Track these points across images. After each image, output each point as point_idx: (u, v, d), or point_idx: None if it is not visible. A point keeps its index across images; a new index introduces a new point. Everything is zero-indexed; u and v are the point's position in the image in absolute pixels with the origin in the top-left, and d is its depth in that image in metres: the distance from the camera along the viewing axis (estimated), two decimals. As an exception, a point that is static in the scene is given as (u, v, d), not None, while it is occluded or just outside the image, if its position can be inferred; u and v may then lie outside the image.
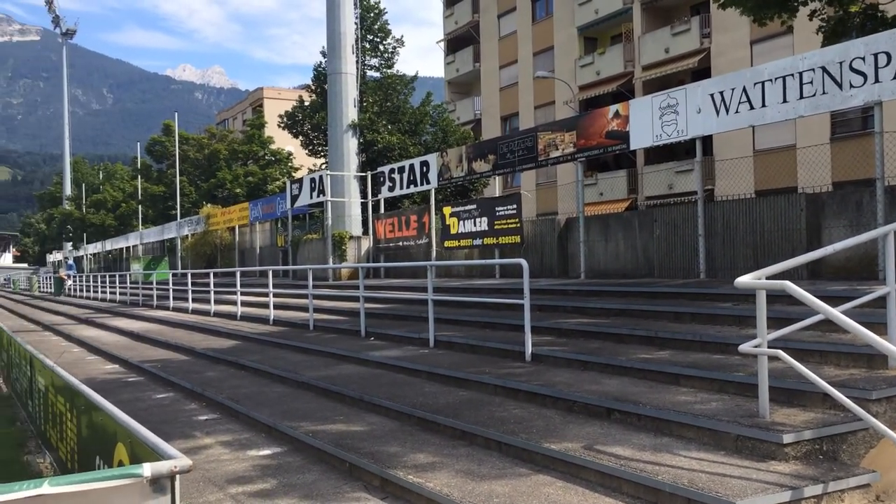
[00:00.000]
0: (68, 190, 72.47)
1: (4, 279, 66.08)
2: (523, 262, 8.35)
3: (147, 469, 2.93)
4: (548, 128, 14.98)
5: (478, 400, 7.08)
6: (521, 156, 15.16)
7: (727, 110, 10.87)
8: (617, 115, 12.82)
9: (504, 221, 15.59)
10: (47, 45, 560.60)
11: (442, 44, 46.58)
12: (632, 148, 13.05)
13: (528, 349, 8.20)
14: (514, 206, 15.43)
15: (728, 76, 11.38)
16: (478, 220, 16.40)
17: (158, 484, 2.97)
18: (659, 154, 27.33)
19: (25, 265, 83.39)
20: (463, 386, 7.70)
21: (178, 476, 3.01)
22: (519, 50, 39.37)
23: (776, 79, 10.14)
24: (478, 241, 16.42)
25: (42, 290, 44.45)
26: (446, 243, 17.62)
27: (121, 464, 3.76)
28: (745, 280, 4.99)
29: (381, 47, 28.93)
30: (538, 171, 31.02)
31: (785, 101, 10.05)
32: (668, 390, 6.30)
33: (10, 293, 49.81)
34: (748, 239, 10.98)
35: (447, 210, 17.63)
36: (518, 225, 15.26)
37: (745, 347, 5.07)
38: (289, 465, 5.90)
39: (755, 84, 10.43)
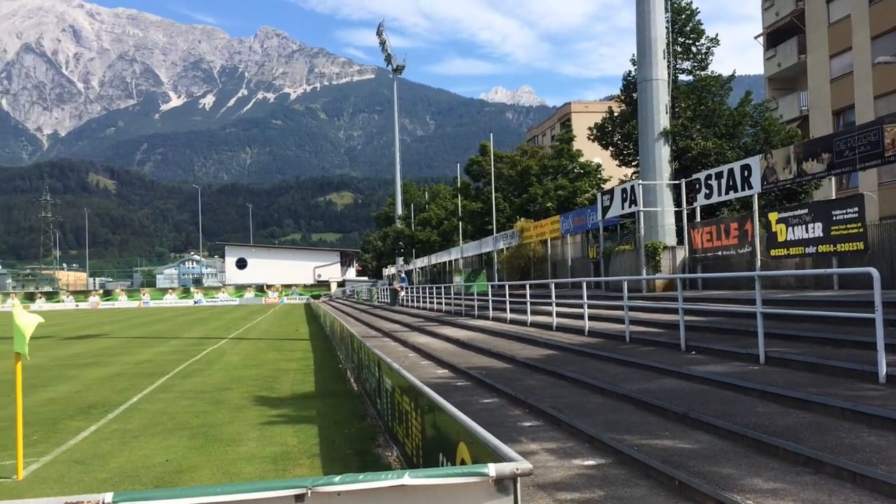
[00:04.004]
0: (399, 210, 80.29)
1: (350, 291, 75.15)
2: (873, 270, 7.38)
3: (492, 469, 3.08)
4: (896, 118, 13.14)
5: (821, 423, 6.40)
6: (862, 152, 13.49)
7: None
8: None
9: (843, 226, 13.97)
10: (380, 82, 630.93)
11: (761, 38, 43.38)
12: None
13: (883, 370, 7.22)
14: (856, 208, 13.76)
15: None
16: (810, 225, 14.91)
17: (502, 485, 3.11)
18: None
19: (366, 278, 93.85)
20: (802, 407, 7.01)
21: (519, 478, 3.13)
22: (853, 35, 35.18)
23: None
24: (811, 249, 14.92)
25: (380, 300, 49.66)
26: (772, 252, 16.28)
27: (463, 462, 4.00)
28: None
29: (694, 49, 27.72)
30: (881, 170, 27.42)
31: None
32: None
33: (354, 303, 56.51)
34: None
35: (773, 216, 16.29)
36: (860, 230, 13.58)
37: None
38: (615, 478, 5.84)
39: None
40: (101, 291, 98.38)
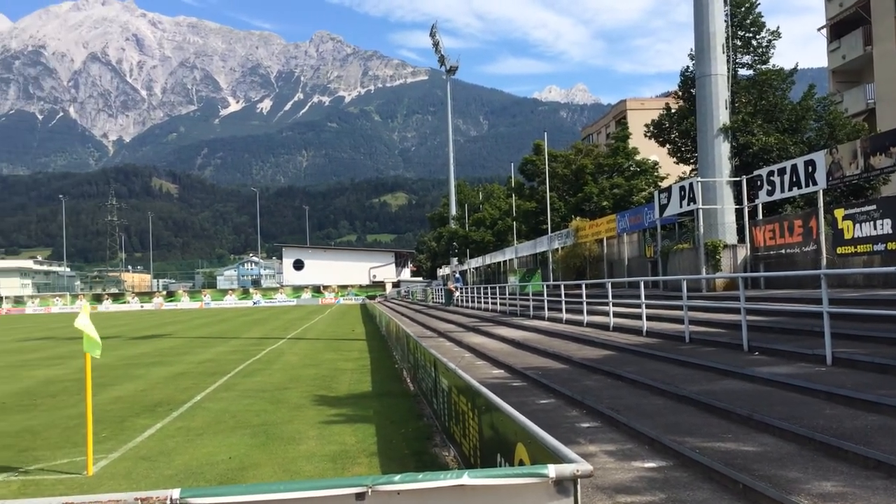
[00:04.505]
0: (454, 210, 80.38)
1: (405, 291, 75.63)
2: (948, 268, 7.09)
3: (552, 470, 3.06)
4: (971, 109, 12.58)
5: (892, 426, 6.20)
6: (934, 145, 12.97)
7: None
8: None
9: (914, 223, 13.45)
10: (434, 83, 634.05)
11: (824, 30, 42.09)
12: None
13: (959, 372, 6.92)
14: (927, 204, 13.24)
15: None
16: (878, 222, 14.40)
17: (562, 486, 3.09)
18: None
19: (420, 279, 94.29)
20: (872, 409, 6.77)
21: (579, 480, 3.10)
22: (923, 24, 33.86)
23: None
24: (879, 246, 14.41)
25: (435, 300, 49.82)
26: (839, 250, 15.78)
27: (521, 463, 3.98)
28: None
29: (754, 42, 27.02)
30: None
31: None
32: None
33: (409, 303, 56.84)
34: None
35: (839, 213, 15.79)
36: (933, 226, 13.06)
37: None
38: (676, 481, 5.73)
39: None
40: (164, 292, 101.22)
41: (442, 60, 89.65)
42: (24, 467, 7.87)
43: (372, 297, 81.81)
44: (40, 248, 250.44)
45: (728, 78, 22.01)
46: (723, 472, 5.61)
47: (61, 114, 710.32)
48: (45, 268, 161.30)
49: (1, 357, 23.08)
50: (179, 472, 7.42)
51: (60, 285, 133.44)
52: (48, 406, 12.32)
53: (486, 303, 32.28)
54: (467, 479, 3.01)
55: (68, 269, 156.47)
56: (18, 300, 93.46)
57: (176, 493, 2.91)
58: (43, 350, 25.48)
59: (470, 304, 36.34)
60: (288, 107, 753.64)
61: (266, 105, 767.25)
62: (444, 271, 79.11)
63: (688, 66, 28.77)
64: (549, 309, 22.52)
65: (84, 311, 7.54)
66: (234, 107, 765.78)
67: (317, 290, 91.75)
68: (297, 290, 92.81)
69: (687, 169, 32.30)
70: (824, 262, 16.30)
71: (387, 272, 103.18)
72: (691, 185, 21.50)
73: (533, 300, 24.29)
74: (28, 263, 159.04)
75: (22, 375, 17.32)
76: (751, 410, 7.17)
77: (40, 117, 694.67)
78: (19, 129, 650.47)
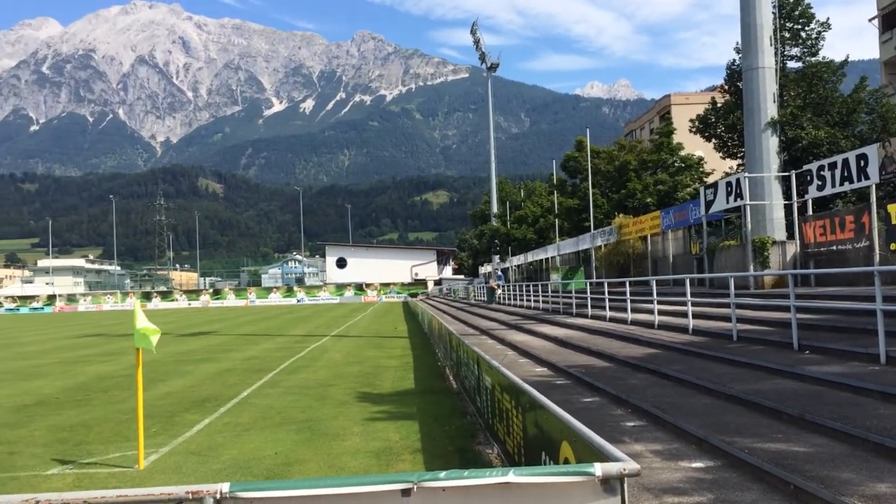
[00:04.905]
0: (495, 208, 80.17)
1: (446, 289, 75.69)
2: None
3: (598, 469, 3.04)
4: None
5: (952, 429, 5.98)
6: None
7: None
8: None
9: (972, 217, 13.01)
10: (475, 81, 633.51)
11: (875, 21, 40.93)
12: None
13: None
14: None
15: None
16: (935, 217, 13.96)
17: (609, 485, 3.06)
18: None
19: (462, 276, 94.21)
20: (930, 411, 6.57)
21: (626, 479, 3.07)
22: (982, 11, 32.71)
23: None
24: (936, 242, 13.98)
25: (476, 298, 49.76)
26: (892, 246, 15.35)
27: (566, 461, 3.96)
28: None
29: (803, 34, 26.41)
30: None
31: None
32: None
33: (451, 301, 56.89)
34: None
35: (893, 208, 15.37)
36: None
37: None
38: (725, 481, 5.64)
39: None
40: (211, 290, 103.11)
41: (483, 58, 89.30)
42: (78, 460, 8.10)
43: (414, 295, 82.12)
44: (92, 248, 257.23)
45: (776, 71, 21.56)
46: (773, 472, 5.50)
47: (111, 116, 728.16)
48: (96, 266, 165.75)
49: (55, 353, 23.76)
50: (227, 466, 7.55)
51: (111, 283, 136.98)
52: (101, 401, 12.64)
53: (528, 300, 32.12)
54: (513, 476, 3.00)
55: (118, 268, 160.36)
56: (71, 298, 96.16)
57: (226, 487, 2.96)
58: (95, 346, 26.15)
59: (512, 302, 36.20)
60: (330, 106, 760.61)
61: (308, 105, 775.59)
62: (485, 269, 78.94)
63: (734, 60, 28.25)
64: (592, 307, 22.32)
65: (138, 309, 7.73)
66: (278, 107, 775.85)
67: (359, 287, 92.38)
68: (340, 287, 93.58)
69: (734, 164, 31.74)
70: (877, 258, 15.87)
71: (429, 270, 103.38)
72: (738, 180, 21.11)
73: (576, 298, 24.12)
74: (80, 262, 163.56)
75: (76, 371, 17.81)
76: (801, 410, 7.02)
77: (91, 119, 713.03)
78: (71, 131, 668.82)
